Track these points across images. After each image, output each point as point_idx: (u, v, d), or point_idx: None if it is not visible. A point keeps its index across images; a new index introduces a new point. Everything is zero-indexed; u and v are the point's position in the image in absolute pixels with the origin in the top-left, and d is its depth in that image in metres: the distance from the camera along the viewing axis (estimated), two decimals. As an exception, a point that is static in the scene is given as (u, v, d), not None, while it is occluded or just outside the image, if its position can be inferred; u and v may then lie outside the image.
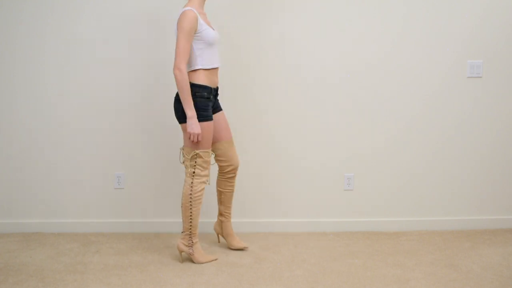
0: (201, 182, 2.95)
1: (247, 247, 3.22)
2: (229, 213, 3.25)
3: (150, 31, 3.47)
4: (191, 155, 2.93)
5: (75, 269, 2.91)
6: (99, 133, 3.52)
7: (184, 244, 3.01)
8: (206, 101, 2.92)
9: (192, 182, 2.94)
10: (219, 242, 3.37)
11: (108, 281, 2.75)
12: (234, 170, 3.16)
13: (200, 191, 2.95)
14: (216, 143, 3.11)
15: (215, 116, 3.09)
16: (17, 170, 3.52)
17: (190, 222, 2.97)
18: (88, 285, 2.71)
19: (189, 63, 2.93)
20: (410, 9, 3.53)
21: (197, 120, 2.86)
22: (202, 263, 3.01)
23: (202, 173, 2.95)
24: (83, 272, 2.88)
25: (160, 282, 2.76)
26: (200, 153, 2.92)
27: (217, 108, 3.11)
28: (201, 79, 2.92)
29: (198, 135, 2.86)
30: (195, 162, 2.93)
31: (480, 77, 3.59)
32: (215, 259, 3.07)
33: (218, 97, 3.19)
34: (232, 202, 3.24)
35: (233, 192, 3.21)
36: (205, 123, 2.91)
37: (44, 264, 2.97)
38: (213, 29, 2.99)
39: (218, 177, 3.21)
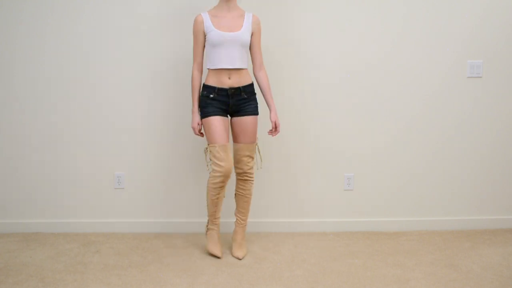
0: (214, 176, 3.03)
1: (239, 259, 3.10)
2: (240, 218, 3.23)
3: (149, 31, 3.47)
4: (204, 148, 3.11)
5: (75, 269, 2.91)
6: (99, 133, 3.52)
7: (206, 226, 3.21)
8: (205, 99, 3.06)
9: (210, 173, 3.08)
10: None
11: (108, 281, 2.75)
12: (243, 174, 3.16)
13: (213, 183, 3.04)
14: (233, 144, 3.19)
15: (236, 119, 3.10)
16: (17, 170, 3.52)
17: (207, 207, 3.15)
18: (88, 285, 2.71)
19: None
20: (410, 9, 3.52)
21: (195, 115, 3.10)
22: (208, 251, 3.14)
23: (216, 168, 3.02)
24: (83, 272, 2.88)
25: (160, 282, 2.76)
26: (209, 147, 3.05)
27: (240, 111, 3.09)
28: (207, 79, 3.08)
29: (193, 128, 3.11)
30: (209, 155, 3.09)
31: (480, 77, 3.59)
32: (219, 257, 3.09)
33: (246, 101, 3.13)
34: (245, 208, 3.21)
35: (243, 196, 3.18)
36: (204, 120, 3.07)
37: (44, 264, 2.97)
38: (234, 31, 3.01)
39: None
